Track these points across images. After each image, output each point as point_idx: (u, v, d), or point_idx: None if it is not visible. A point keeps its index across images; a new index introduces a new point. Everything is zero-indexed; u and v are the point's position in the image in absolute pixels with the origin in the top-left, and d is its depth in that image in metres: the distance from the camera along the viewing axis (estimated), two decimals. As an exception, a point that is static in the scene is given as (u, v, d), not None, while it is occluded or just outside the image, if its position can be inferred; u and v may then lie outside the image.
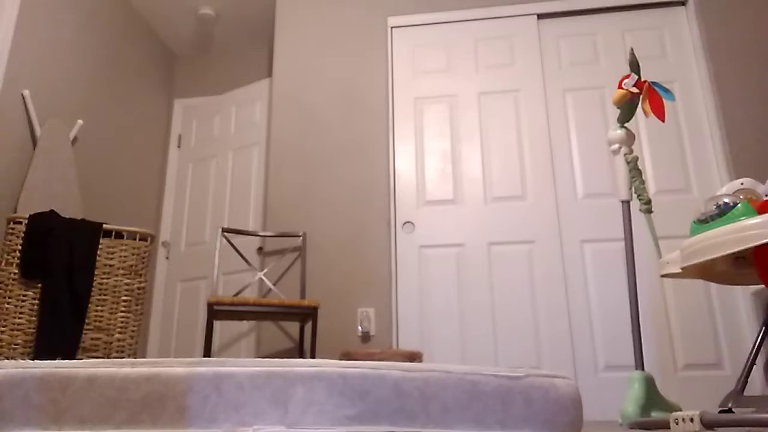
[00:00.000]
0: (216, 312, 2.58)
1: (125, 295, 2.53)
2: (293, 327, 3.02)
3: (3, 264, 2.39)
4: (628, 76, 2.11)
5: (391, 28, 3.41)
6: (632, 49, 2.19)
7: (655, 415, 1.84)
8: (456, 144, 3.16)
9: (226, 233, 3.05)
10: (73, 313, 2.40)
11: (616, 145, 2.14)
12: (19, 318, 2.34)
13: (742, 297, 2.72)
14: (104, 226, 2.58)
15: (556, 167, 3.06)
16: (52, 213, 2.56)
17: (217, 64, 4.42)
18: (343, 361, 0.99)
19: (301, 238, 3.08)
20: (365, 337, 2.91)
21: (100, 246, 2.52)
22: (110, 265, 2.53)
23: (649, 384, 1.90)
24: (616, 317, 2.76)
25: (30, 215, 2.48)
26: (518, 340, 2.80)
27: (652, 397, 1.88)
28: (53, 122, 2.96)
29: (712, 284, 2.77)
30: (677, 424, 1.44)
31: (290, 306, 2.63)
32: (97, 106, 3.44)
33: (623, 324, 2.76)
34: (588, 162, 3.04)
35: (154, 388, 0.93)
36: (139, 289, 2.57)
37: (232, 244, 3.14)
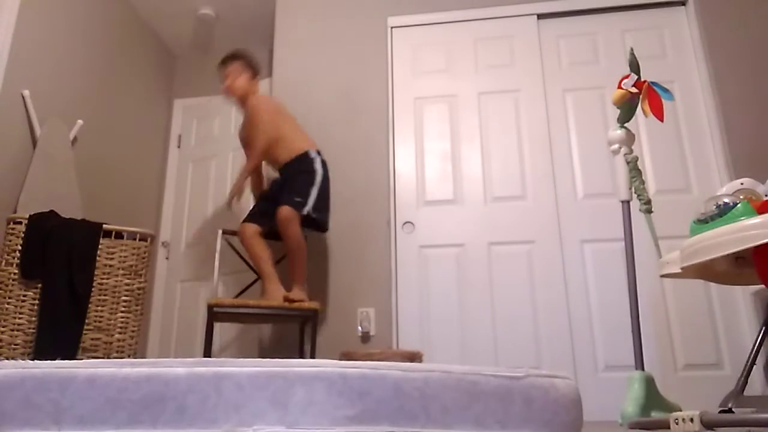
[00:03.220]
0: (216, 314, 2.57)
1: (125, 296, 2.53)
2: (293, 327, 3.01)
3: (3, 264, 2.39)
4: (627, 76, 2.11)
5: (391, 28, 3.41)
6: (632, 49, 2.18)
7: (655, 415, 1.84)
8: (456, 144, 3.16)
9: (226, 234, 3.05)
10: (73, 313, 2.40)
11: (616, 145, 2.14)
12: (19, 318, 2.34)
13: (742, 297, 2.72)
14: (104, 226, 2.58)
15: (556, 167, 3.05)
16: (52, 213, 2.55)
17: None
18: (342, 361, 0.99)
19: (301, 238, 3.07)
20: (365, 338, 2.91)
21: (100, 246, 2.52)
22: (110, 266, 2.53)
23: (649, 384, 1.90)
24: (616, 317, 2.76)
25: (30, 215, 2.48)
26: (518, 340, 2.80)
27: (652, 397, 1.88)
28: (53, 122, 2.96)
29: (712, 284, 2.76)
30: (677, 424, 1.44)
31: (290, 308, 2.63)
32: (97, 106, 3.44)
33: (623, 324, 2.74)
34: (588, 162, 3.03)
35: (154, 388, 0.93)
36: (139, 289, 2.57)
37: (232, 245, 3.13)
